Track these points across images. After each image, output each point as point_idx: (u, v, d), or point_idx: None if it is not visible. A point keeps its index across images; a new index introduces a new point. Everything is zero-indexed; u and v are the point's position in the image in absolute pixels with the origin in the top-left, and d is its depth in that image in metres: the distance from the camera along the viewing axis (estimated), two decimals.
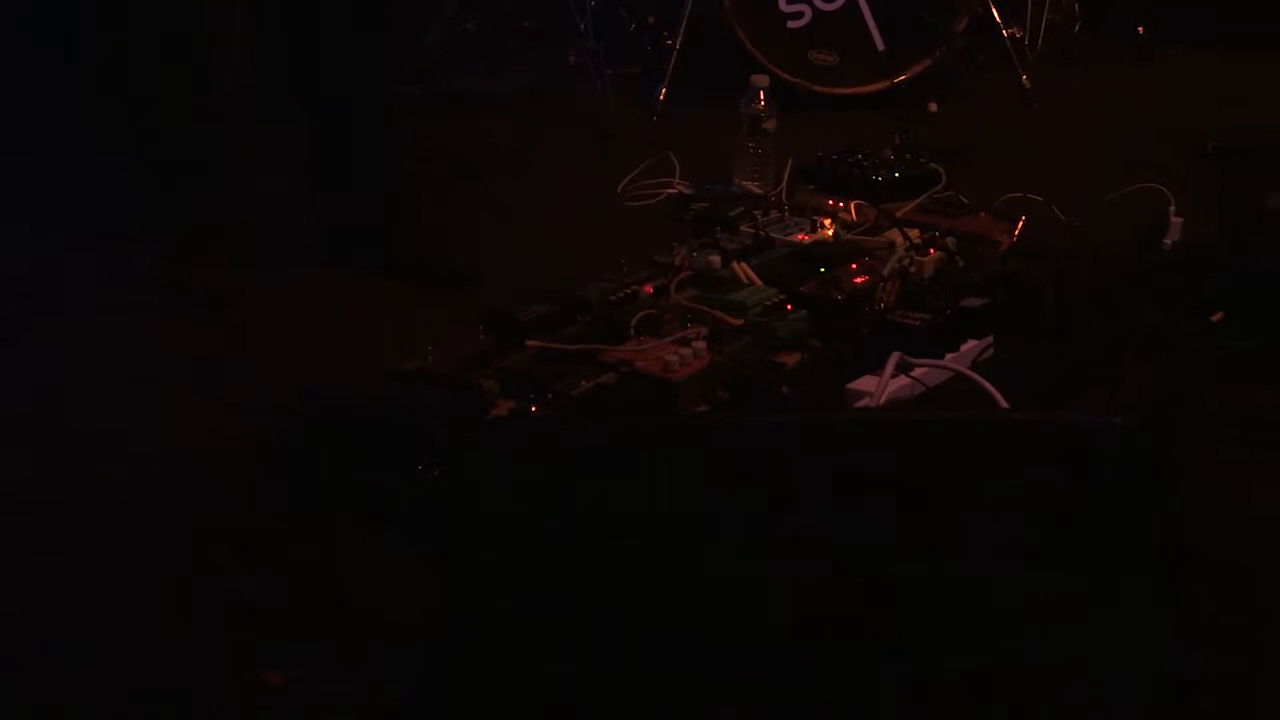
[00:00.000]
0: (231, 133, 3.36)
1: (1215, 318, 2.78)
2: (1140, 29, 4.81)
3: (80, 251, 3.27)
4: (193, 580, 2.18)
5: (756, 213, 3.20)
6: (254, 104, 3.68)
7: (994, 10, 4.45)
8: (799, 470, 1.41)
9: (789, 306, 2.73)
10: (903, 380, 2.50)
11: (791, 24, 4.36)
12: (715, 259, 2.89)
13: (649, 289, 2.80)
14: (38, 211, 3.47)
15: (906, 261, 2.87)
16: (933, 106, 3.83)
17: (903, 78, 4.33)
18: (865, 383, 2.50)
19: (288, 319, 3.01)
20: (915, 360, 2.52)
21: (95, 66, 3.63)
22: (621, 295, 2.76)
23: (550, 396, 2.41)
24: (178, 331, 2.96)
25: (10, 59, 3.79)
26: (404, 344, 2.62)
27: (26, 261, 3.23)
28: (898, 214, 3.14)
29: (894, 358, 2.49)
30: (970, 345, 2.66)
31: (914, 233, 3.01)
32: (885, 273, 2.83)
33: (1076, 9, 4.81)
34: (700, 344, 2.54)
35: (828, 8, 4.36)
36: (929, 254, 2.93)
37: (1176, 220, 3.19)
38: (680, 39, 4.39)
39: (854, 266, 2.88)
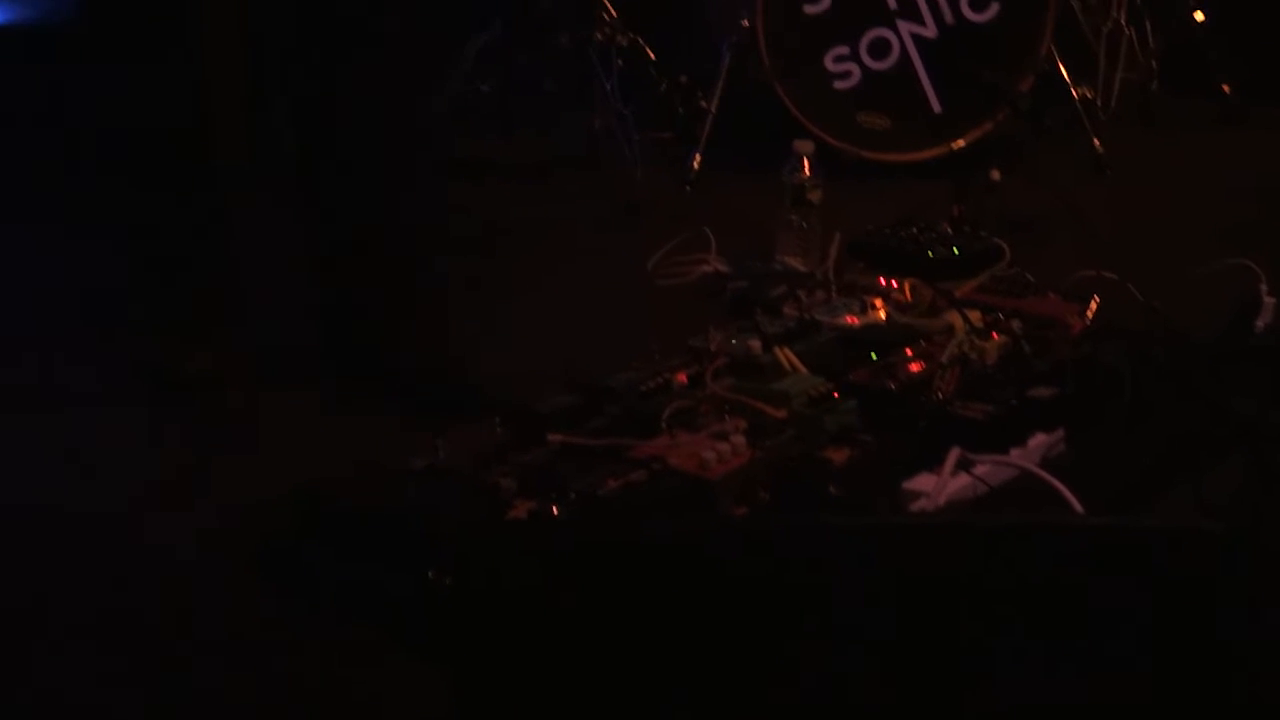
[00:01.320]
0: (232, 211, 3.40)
1: None
2: (1227, 87, 4.85)
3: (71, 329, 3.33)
4: (177, 687, 2.20)
5: (800, 292, 3.22)
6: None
7: (1062, 68, 4.48)
8: (848, 579, 1.42)
9: (836, 396, 2.74)
10: (964, 479, 2.51)
11: (839, 84, 4.41)
12: (755, 344, 2.91)
13: (682, 378, 2.82)
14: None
15: (967, 347, 2.88)
16: (995, 175, 3.86)
17: (962, 143, 4.37)
18: (922, 481, 2.50)
19: (285, 409, 3.03)
20: (977, 456, 2.52)
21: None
22: (652, 385, 2.78)
23: (574, 496, 2.42)
24: (166, 420, 2.99)
25: None
26: (411, 437, 2.64)
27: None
28: (957, 294, 3.16)
29: (954, 454, 2.50)
30: (1039, 440, 2.67)
31: (975, 315, 3.03)
32: (943, 359, 2.84)
33: (1155, 65, 4.85)
34: (739, 438, 2.55)
35: (878, 66, 4.41)
36: (992, 338, 2.95)
37: (1269, 300, 3.19)
38: (716, 101, 4.44)
39: (909, 352, 2.90)
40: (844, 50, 4.40)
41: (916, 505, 2.46)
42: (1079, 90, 4.52)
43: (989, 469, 2.53)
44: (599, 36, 4.52)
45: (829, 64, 4.40)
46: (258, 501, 2.55)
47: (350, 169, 3.13)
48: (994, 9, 4.40)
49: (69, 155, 3.98)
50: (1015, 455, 2.59)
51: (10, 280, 3.68)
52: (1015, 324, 3.01)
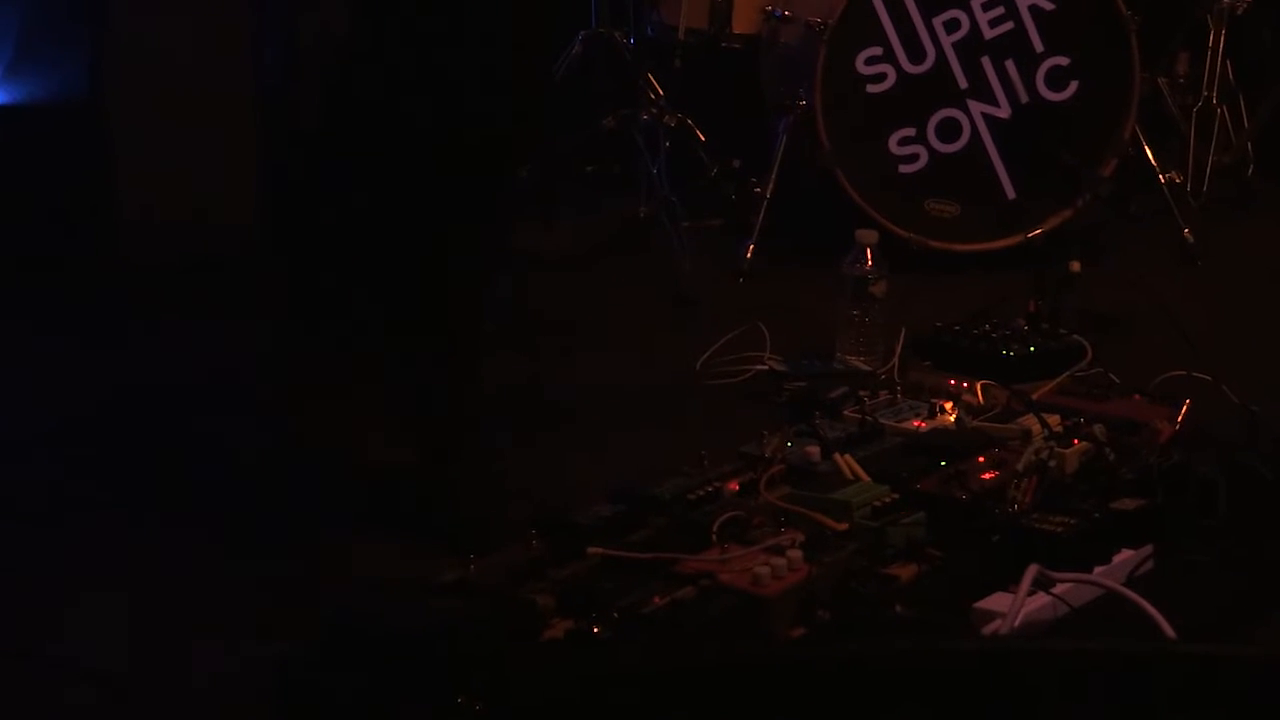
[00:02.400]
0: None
1: None
2: None
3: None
4: None
5: (863, 394, 3.22)
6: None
7: (1148, 151, 4.49)
8: (917, 706, 1.42)
9: (902, 508, 2.74)
10: (1042, 599, 2.49)
11: (904, 168, 4.43)
12: (814, 450, 2.91)
13: (734, 486, 2.82)
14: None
15: (1045, 454, 2.87)
16: (1075, 266, 3.86)
17: (1038, 232, 4.38)
18: (997, 601, 2.49)
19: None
20: (1057, 575, 2.51)
21: None
22: (701, 493, 2.77)
23: (616, 615, 2.41)
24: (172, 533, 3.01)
25: None
26: (440, 549, 2.64)
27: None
28: (1033, 396, 3.16)
29: (1031, 571, 2.49)
30: (1125, 556, 2.66)
31: (1054, 419, 3.03)
32: (1019, 467, 2.83)
33: (1250, 149, 4.86)
34: (796, 553, 2.55)
35: (947, 149, 4.43)
36: (1072, 445, 2.94)
37: None
38: (771, 187, 4.46)
39: (981, 460, 2.89)
40: (910, 132, 4.42)
41: (990, 627, 2.44)
42: (1166, 175, 4.53)
43: (1070, 588, 2.51)
44: (645, 116, 4.56)
45: (894, 146, 4.42)
46: (288, 623, 2.56)
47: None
48: (1073, 86, 4.42)
49: None
50: (1099, 573, 2.58)
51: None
52: (1098, 429, 3.00)
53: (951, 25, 4.40)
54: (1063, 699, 1.43)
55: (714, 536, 2.63)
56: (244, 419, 3.44)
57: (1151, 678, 1.43)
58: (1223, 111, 4.79)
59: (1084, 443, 2.96)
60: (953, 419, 3.13)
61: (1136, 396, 3.21)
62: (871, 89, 4.40)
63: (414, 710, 2.28)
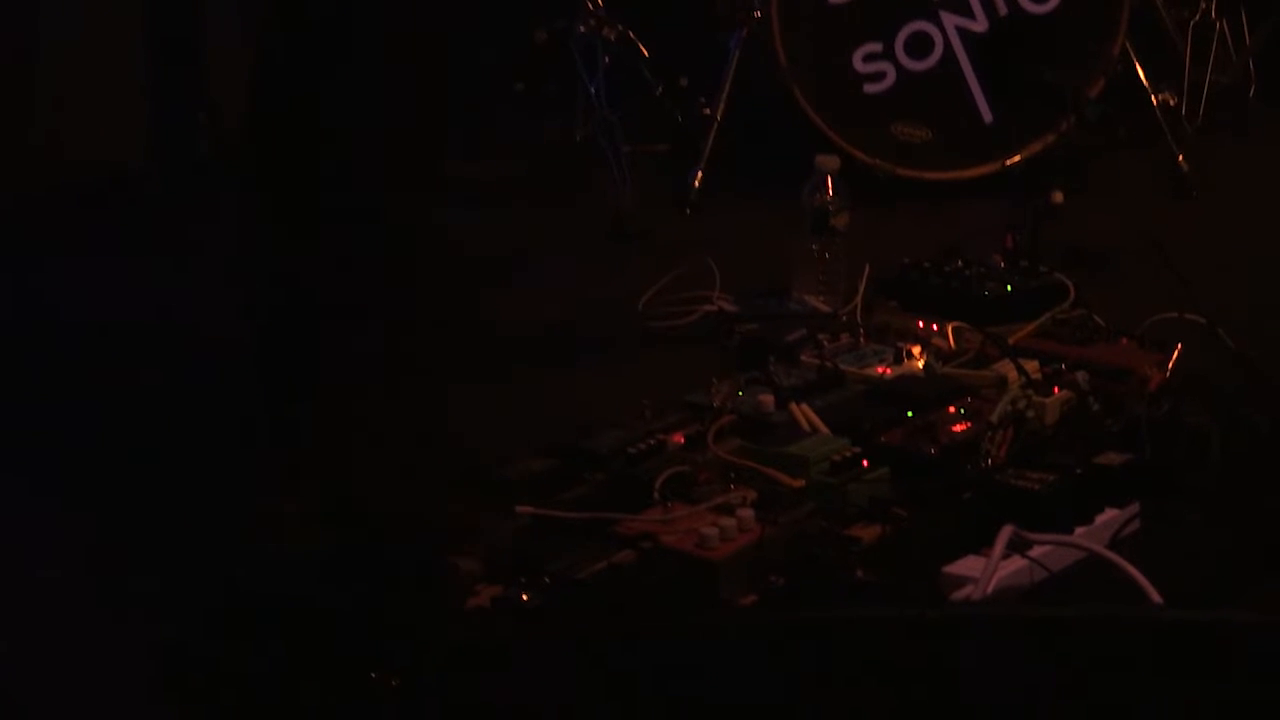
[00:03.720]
0: None
1: None
2: None
3: None
4: None
5: (822, 337, 3.24)
6: None
7: (1139, 69, 4.50)
8: (877, 681, 1.43)
9: (865, 463, 2.75)
10: (1018, 562, 2.52)
11: (869, 87, 4.44)
12: (768, 399, 2.93)
13: (679, 439, 2.84)
14: None
15: (1023, 404, 2.89)
16: (1058, 197, 3.88)
17: (1017, 159, 4.40)
18: (967, 565, 2.51)
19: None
20: (1034, 536, 2.53)
21: None
22: (643, 447, 2.79)
23: (548, 580, 2.43)
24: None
25: None
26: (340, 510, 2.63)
27: None
28: (1010, 340, 3.18)
29: (1005, 532, 2.51)
30: (1109, 516, 2.68)
31: (1032, 365, 3.05)
32: (994, 418, 2.85)
33: (1251, 69, 4.87)
34: (747, 512, 2.56)
35: (917, 67, 4.44)
36: (1053, 393, 2.96)
37: None
38: (722, 108, 4.47)
39: (952, 410, 2.91)
40: (876, 47, 4.43)
41: (960, 593, 2.47)
42: (1159, 96, 4.54)
43: (1048, 551, 2.53)
44: (581, 29, 4.54)
45: (858, 64, 4.42)
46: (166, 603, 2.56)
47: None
48: None
49: None
50: (1080, 534, 2.60)
51: None
52: (1081, 377, 3.03)
53: None
54: (1037, 669, 1.44)
55: (656, 494, 2.66)
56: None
57: (1136, 646, 1.45)
58: (1222, 26, 4.79)
59: (1065, 391, 2.98)
60: (921, 365, 3.15)
61: (1124, 340, 3.23)
62: (834, 0, 4.40)
63: (321, 688, 2.29)
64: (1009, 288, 3.47)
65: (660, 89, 4.72)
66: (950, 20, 4.44)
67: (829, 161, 3.77)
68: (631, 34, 4.68)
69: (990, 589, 2.45)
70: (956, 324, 3.25)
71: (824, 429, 2.86)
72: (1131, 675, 1.48)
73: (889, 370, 3.13)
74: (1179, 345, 3.18)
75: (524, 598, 2.40)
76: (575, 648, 1.60)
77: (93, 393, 3.32)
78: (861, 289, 3.57)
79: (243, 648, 2.40)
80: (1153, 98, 4.52)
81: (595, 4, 4.62)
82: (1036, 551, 2.53)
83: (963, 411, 2.91)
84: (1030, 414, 2.89)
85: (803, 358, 3.16)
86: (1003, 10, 4.43)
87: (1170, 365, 3.13)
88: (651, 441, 2.80)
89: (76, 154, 4.36)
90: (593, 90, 4.46)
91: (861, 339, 3.25)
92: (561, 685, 1.58)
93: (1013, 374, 3.02)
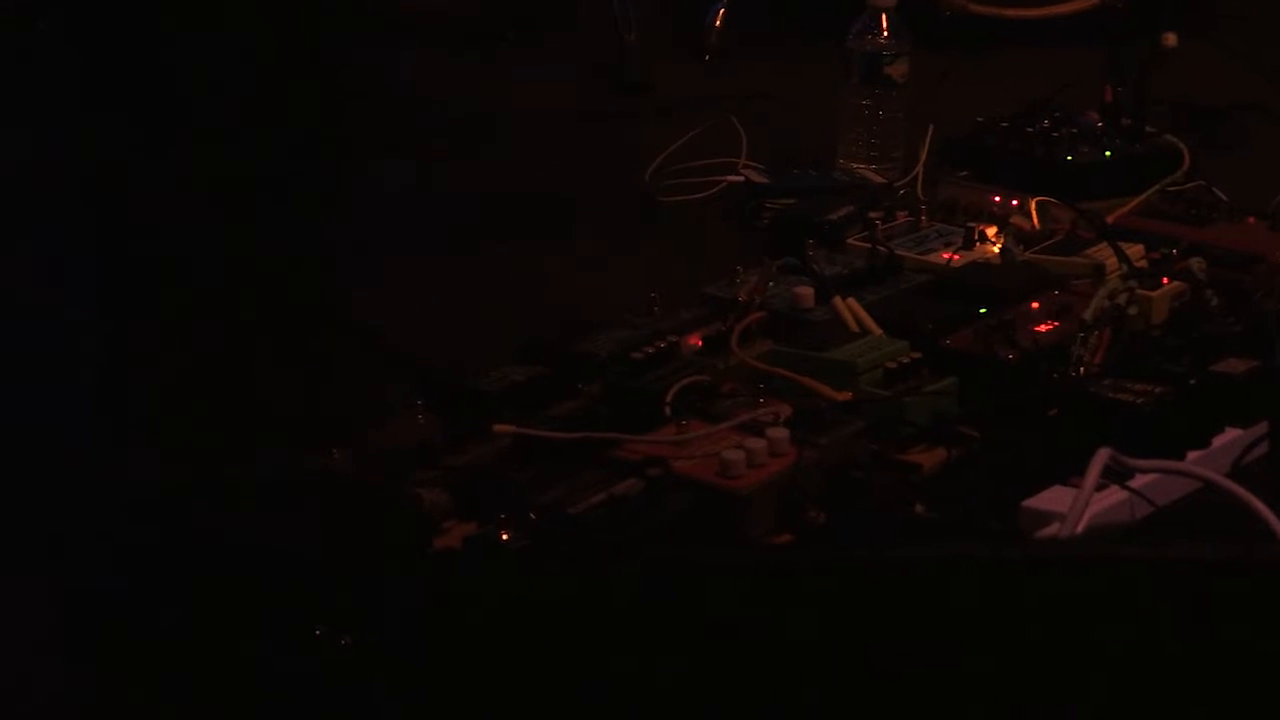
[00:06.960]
0: None
1: None
2: None
3: None
4: None
5: (874, 216, 3.26)
6: None
7: None
8: (940, 641, 1.47)
9: (926, 371, 2.78)
10: (1116, 494, 2.54)
11: None
12: (806, 292, 2.95)
13: (696, 341, 2.86)
14: None
15: (1123, 298, 2.91)
16: (1170, 40, 3.88)
17: None
18: (1054, 498, 2.54)
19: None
20: (1136, 463, 2.56)
21: None
22: (651, 350, 2.80)
23: (533, 516, 2.44)
24: None
25: None
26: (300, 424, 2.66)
27: None
28: (1109, 219, 3.19)
29: (1100, 456, 2.53)
30: (1229, 437, 2.71)
31: (1136, 250, 3.07)
32: (1088, 316, 2.87)
33: None
34: (780, 432, 2.58)
35: None
36: (1161, 285, 2.98)
37: None
38: None
39: (1035, 306, 2.94)
40: None
41: (1044, 532, 2.50)
42: None
43: (1153, 480, 2.56)
44: None
45: None
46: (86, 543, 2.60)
47: None
48: None
49: None
50: (1193, 460, 2.63)
51: None
52: (1196, 264, 3.05)
53: None
54: (1142, 619, 1.48)
55: (668, 410, 2.67)
56: None
57: (1255, 591, 1.48)
58: None
59: (1177, 282, 3.01)
60: (997, 249, 3.17)
61: (1250, 220, 3.26)
62: None
63: (258, 646, 2.31)
64: (1107, 153, 3.48)
65: None
66: None
67: None
68: None
69: (1081, 527, 2.47)
70: (1042, 199, 3.26)
71: (875, 329, 2.88)
72: (1251, 629, 1.51)
73: (957, 256, 3.15)
74: None
75: (504, 537, 2.42)
76: (565, 598, 1.63)
77: None
78: (923, 155, 3.59)
79: (162, 598, 2.43)
80: None
81: None
82: (1138, 481, 2.55)
83: (1049, 308, 2.93)
84: (1133, 310, 2.91)
85: (849, 241, 3.18)
86: None
87: None
88: (661, 344, 2.82)
89: None
90: None
91: (923, 218, 3.27)
92: (547, 642, 1.61)
93: (1111, 261, 3.04)
